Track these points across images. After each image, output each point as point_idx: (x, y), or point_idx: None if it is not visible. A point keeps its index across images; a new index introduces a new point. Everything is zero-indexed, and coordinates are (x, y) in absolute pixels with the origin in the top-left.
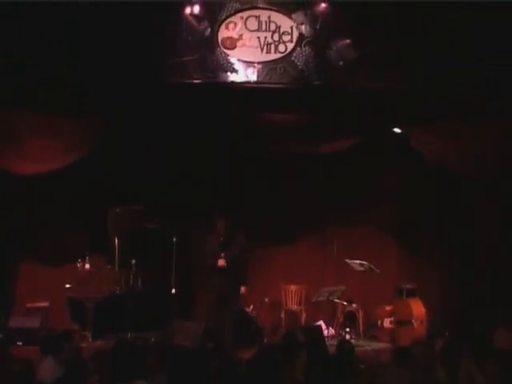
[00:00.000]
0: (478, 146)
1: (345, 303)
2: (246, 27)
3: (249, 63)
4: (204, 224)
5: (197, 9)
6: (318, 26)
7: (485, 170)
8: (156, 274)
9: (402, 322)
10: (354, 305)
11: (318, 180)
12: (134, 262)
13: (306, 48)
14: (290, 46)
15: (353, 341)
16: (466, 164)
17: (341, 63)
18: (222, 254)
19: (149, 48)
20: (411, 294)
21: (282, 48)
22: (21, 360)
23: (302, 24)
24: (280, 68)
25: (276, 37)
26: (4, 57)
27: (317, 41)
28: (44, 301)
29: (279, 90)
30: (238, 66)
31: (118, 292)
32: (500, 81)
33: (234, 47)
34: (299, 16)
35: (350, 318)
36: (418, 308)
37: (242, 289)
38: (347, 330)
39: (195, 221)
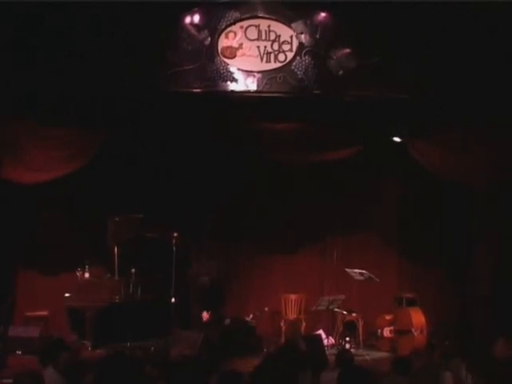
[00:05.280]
0: (477, 156)
1: (344, 312)
2: (245, 36)
3: (248, 72)
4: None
5: (197, 18)
6: (317, 36)
7: (484, 181)
8: (155, 283)
9: (402, 332)
10: (353, 314)
11: (318, 189)
12: (133, 270)
13: (306, 57)
14: (290, 55)
15: (352, 350)
16: (465, 174)
17: (340, 72)
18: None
19: (149, 57)
20: (411, 303)
21: (281, 57)
22: (31, 372)
23: (302, 33)
24: (280, 77)
25: (276, 46)
26: (5, 68)
27: (316, 50)
28: (43, 310)
29: (279, 99)
30: (237, 75)
31: (117, 301)
32: (499, 92)
33: (233, 56)
34: (299, 25)
35: (350, 327)
36: (417, 317)
37: (204, 314)
38: (347, 339)
39: (195, 230)
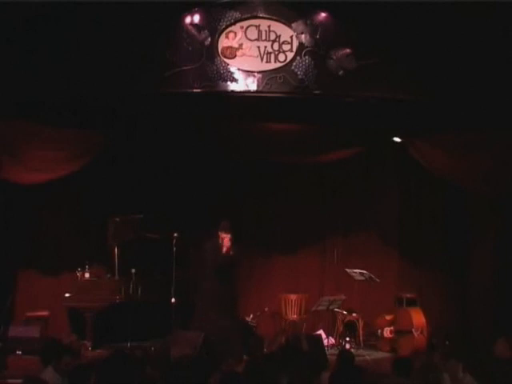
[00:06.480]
0: (477, 157)
1: (345, 312)
2: (245, 36)
3: (249, 72)
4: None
5: (197, 18)
6: (317, 36)
7: (484, 181)
8: (155, 283)
9: (402, 332)
10: (354, 314)
11: (318, 189)
12: (133, 271)
13: (306, 57)
14: (290, 55)
15: (353, 350)
16: (465, 175)
17: (340, 72)
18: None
19: (149, 57)
20: (411, 303)
21: (281, 57)
22: (34, 378)
23: (302, 33)
24: (280, 77)
25: (276, 46)
26: (5, 69)
27: (317, 50)
28: (44, 310)
29: (279, 100)
30: (237, 75)
31: (117, 301)
32: (501, 94)
33: (233, 56)
34: (299, 25)
35: (350, 328)
36: (418, 317)
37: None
38: (347, 339)
39: (195, 230)
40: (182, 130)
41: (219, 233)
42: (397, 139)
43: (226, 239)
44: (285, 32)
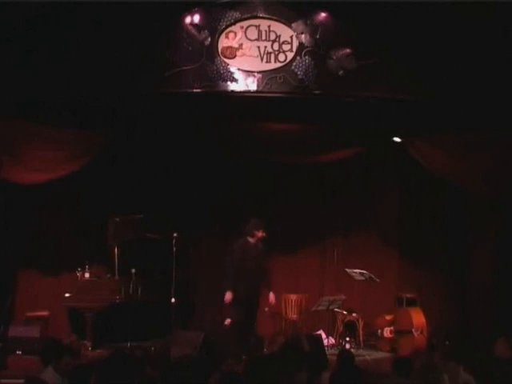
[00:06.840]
0: (477, 157)
1: (345, 312)
2: (245, 36)
3: (249, 72)
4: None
5: (197, 18)
6: (317, 36)
7: (484, 182)
8: (155, 283)
9: (402, 332)
10: (353, 314)
11: (318, 189)
12: (133, 271)
13: (306, 57)
14: (290, 55)
15: (353, 350)
16: (465, 175)
17: (341, 73)
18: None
19: (149, 57)
20: (411, 303)
21: (281, 57)
22: (34, 378)
23: (302, 33)
24: (280, 77)
25: (276, 46)
26: (5, 69)
27: (317, 50)
28: (44, 310)
29: (279, 100)
30: (237, 75)
31: (117, 301)
32: (502, 94)
33: (233, 56)
34: (299, 25)
35: (350, 328)
36: (418, 317)
37: (271, 296)
38: (347, 339)
39: (195, 230)
40: (182, 130)
41: (254, 231)
42: (397, 139)
43: (262, 237)
44: (285, 32)
